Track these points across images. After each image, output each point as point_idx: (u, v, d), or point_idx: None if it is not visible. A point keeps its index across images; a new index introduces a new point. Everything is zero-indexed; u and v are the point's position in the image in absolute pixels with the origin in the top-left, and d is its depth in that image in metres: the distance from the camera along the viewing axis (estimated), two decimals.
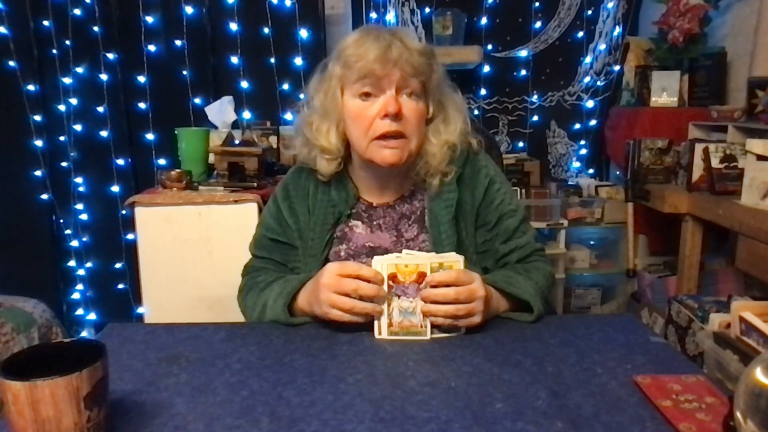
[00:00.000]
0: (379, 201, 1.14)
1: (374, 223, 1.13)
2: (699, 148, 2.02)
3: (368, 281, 0.91)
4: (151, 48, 2.73)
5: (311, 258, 1.11)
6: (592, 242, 2.69)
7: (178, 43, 2.73)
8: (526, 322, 1.00)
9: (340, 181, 1.13)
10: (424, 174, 1.10)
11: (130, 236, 2.64)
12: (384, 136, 1.02)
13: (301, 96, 1.15)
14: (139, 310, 2.53)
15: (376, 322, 0.93)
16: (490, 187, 1.13)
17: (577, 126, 2.97)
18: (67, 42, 2.67)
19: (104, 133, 2.78)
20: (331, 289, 0.92)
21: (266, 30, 2.72)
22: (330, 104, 1.06)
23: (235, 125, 2.41)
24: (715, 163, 1.96)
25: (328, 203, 1.12)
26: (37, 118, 2.71)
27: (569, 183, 2.79)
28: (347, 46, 1.02)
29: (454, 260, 0.93)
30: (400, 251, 1.02)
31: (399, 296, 0.92)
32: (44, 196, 2.79)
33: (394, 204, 1.14)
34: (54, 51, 2.68)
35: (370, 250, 1.11)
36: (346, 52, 1.02)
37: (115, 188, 2.81)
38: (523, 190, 2.57)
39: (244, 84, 2.76)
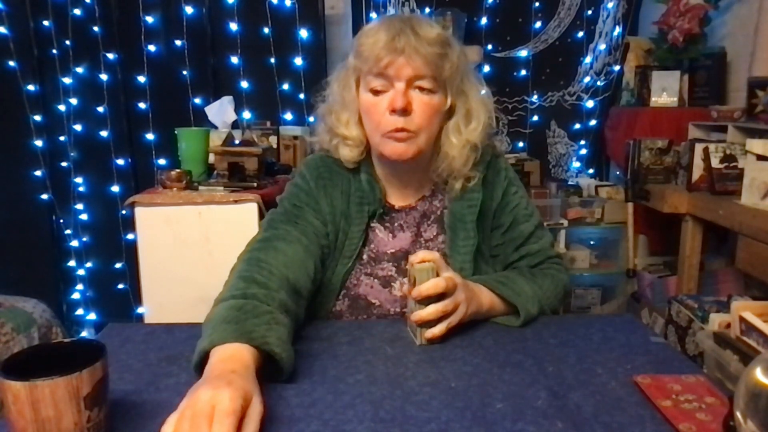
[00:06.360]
0: (402, 203, 1.11)
1: (396, 224, 1.11)
2: (699, 148, 2.02)
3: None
4: (151, 48, 2.73)
5: (346, 259, 1.06)
6: (592, 242, 2.69)
7: (178, 43, 2.73)
8: (513, 326, 0.97)
9: (368, 181, 1.08)
10: (447, 176, 1.07)
11: (130, 236, 2.65)
12: (392, 131, 1.00)
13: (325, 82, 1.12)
14: (139, 310, 2.53)
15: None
16: (508, 188, 1.12)
17: (577, 126, 2.97)
18: (67, 42, 2.67)
19: (104, 133, 2.78)
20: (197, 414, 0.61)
21: (266, 30, 2.72)
22: (348, 96, 1.05)
23: (235, 125, 2.41)
24: (715, 163, 1.96)
25: (362, 198, 1.08)
26: (37, 118, 2.71)
27: (569, 183, 2.78)
28: (362, 34, 1.01)
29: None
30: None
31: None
32: (44, 196, 2.79)
33: (416, 205, 1.12)
34: (54, 51, 2.68)
35: (390, 255, 1.09)
36: (359, 40, 1.01)
37: (115, 188, 2.82)
38: None
39: (244, 84, 2.76)
